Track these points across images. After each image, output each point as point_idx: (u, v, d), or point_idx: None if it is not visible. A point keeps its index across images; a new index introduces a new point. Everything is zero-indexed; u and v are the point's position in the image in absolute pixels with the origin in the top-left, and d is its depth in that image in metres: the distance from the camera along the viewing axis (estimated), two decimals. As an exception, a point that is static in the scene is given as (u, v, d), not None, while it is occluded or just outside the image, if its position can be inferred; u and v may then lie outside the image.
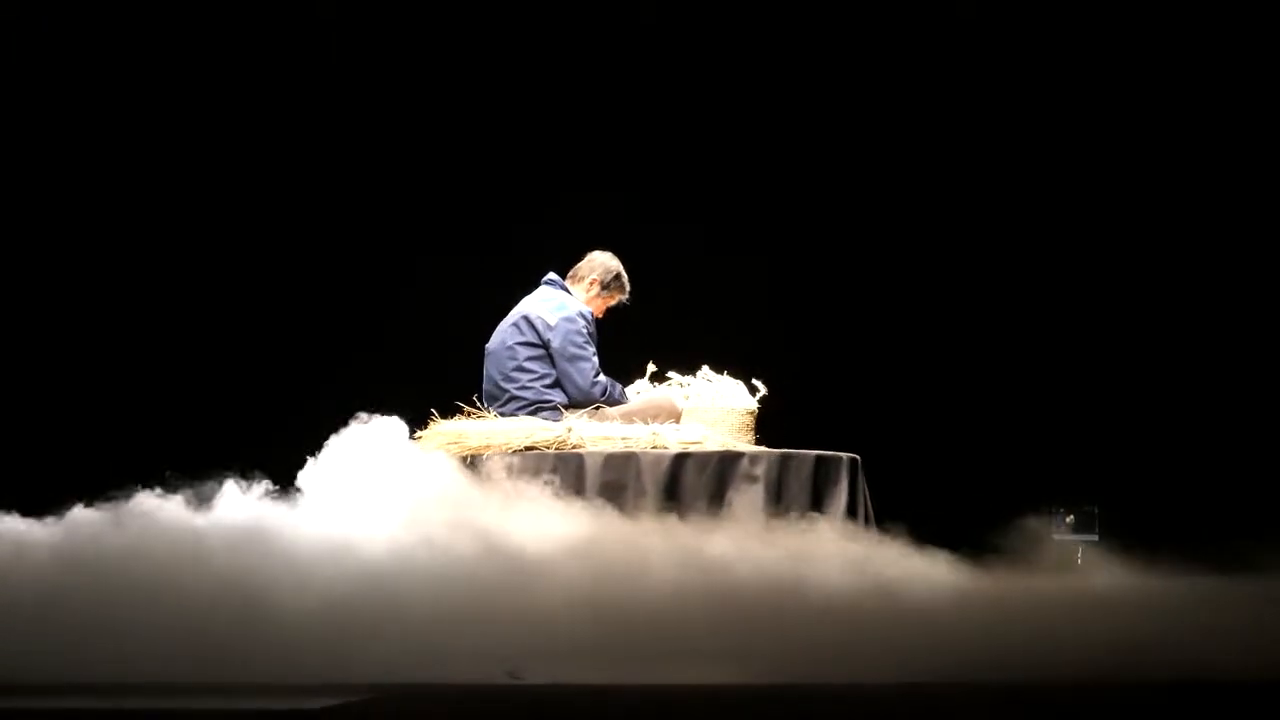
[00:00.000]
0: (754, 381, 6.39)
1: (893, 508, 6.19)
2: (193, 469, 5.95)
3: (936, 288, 8.60)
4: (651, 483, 5.88)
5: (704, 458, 5.97)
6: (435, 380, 7.24)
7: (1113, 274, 8.48)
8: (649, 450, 5.97)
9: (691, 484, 5.93)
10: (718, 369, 6.42)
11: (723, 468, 5.97)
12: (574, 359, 6.32)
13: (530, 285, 6.63)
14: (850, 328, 8.52)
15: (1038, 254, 8.51)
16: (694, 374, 6.46)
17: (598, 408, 6.28)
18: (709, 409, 6.29)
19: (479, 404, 6.33)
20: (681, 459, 5.94)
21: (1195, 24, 8.26)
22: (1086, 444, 8.22)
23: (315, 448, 5.88)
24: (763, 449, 6.13)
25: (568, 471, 5.89)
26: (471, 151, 8.52)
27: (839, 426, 6.61)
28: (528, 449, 5.95)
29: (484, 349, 6.51)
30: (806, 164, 8.53)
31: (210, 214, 8.45)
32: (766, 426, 6.36)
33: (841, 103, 8.52)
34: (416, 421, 6.09)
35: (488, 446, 5.92)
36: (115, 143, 8.37)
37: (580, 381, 6.30)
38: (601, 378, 6.36)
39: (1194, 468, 8.01)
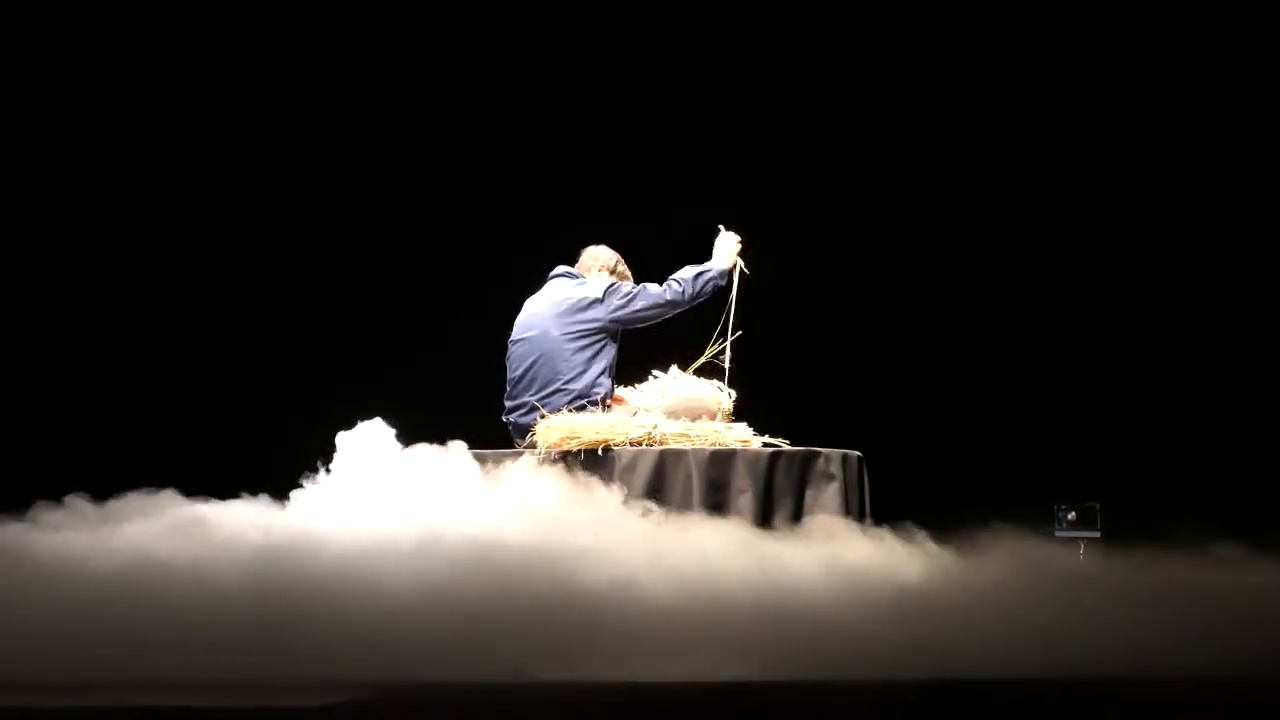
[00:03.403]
0: (717, 384, 6.42)
1: (891, 506, 6.32)
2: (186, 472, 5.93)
3: (936, 285, 8.70)
4: (751, 480, 5.94)
5: (791, 456, 6.05)
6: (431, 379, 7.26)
7: (1115, 270, 8.60)
8: (748, 448, 6.04)
9: (781, 481, 6.01)
10: (684, 368, 6.47)
11: (805, 466, 6.07)
12: (626, 295, 6.30)
13: (519, 283, 6.61)
14: (847, 325, 8.62)
15: (1040, 250, 8.61)
16: (664, 372, 6.49)
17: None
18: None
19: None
20: (775, 457, 6.02)
21: (1195, 25, 8.40)
22: (1088, 440, 8.41)
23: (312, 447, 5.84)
24: (835, 449, 6.23)
25: (675, 468, 5.91)
26: (464, 151, 8.44)
27: (837, 422, 6.73)
28: (631, 443, 5.93)
29: (507, 339, 6.41)
30: (807, 161, 8.57)
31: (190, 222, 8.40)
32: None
33: (846, 97, 8.61)
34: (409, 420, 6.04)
35: (600, 441, 5.89)
36: (114, 144, 8.31)
37: (643, 297, 6.30)
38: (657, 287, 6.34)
39: (1195, 463, 8.25)
